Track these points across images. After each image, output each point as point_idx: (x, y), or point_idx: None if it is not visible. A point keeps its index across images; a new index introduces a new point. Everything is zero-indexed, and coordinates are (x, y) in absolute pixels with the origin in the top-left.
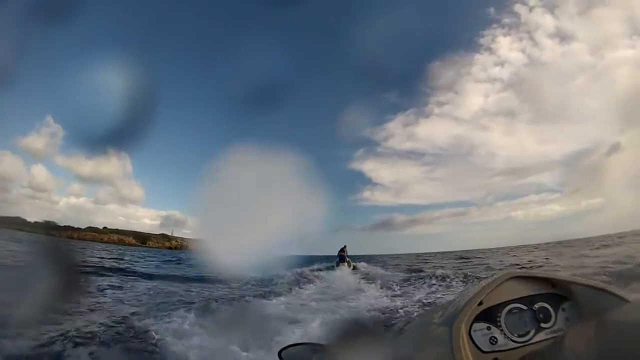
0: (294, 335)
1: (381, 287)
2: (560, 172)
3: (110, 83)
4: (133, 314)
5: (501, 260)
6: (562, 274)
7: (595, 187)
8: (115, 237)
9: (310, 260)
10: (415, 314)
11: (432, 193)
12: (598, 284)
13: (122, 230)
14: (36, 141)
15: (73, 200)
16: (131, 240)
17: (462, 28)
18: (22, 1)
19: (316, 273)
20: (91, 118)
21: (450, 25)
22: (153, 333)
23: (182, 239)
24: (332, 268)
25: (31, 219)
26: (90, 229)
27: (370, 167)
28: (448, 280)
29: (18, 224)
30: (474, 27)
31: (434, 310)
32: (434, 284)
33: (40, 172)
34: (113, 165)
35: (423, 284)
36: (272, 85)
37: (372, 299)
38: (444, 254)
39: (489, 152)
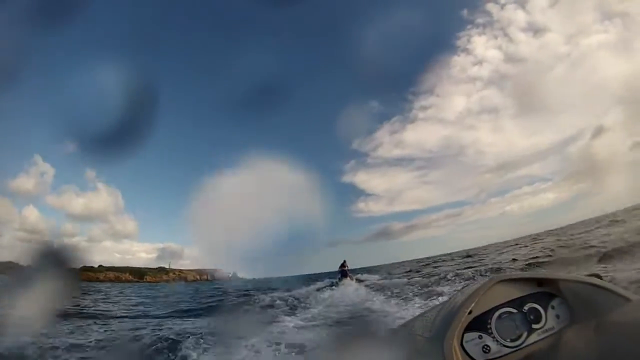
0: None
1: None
2: (549, 161)
3: (100, 104)
4: None
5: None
6: (548, 272)
7: (585, 171)
8: (111, 274)
9: (308, 279)
10: (399, 323)
11: (425, 197)
12: (586, 278)
13: (118, 267)
14: (26, 182)
15: (67, 240)
16: (127, 276)
17: (437, 32)
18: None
19: (321, 293)
20: (84, 142)
21: (425, 30)
22: None
23: (180, 270)
24: (335, 285)
25: (24, 263)
26: (85, 268)
27: (362, 178)
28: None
29: (12, 269)
30: (449, 30)
31: (420, 320)
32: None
33: (31, 214)
34: (104, 201)
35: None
36: (261, 98)
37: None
38: (446, 256)
39: (477, 150)
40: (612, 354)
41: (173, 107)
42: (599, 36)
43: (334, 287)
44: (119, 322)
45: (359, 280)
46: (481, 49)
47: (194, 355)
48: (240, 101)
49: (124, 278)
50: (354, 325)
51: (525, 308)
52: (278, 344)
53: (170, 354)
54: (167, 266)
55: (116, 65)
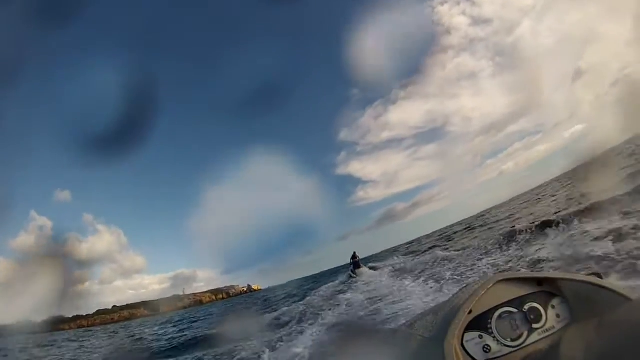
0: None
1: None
2: (535, 115)
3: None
4: None
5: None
6: (548, 272)
7: (572, 116)
8: (125, 313)
9: (322, 277)
10: (401, 323)
11: (422, 173)
12: (586, 277)
13: (132, 304)
14: (26, 239)
15: (78, 288)
16: (143, 311)
17: (400, 8)
18: None
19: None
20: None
21: (387, 6)
22: None
23: (195, 294)
24: (350, 277)
25: (37, 319)
26: (99, 312)
27: (356, 167)
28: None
29: (27, 326)
30: (409, 3)
31: (420, 320)
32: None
33: None
34: (107, 242)
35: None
36: (249, 99)
37: None
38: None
39: (463, 117)
40: (612, 353)
41: (167, 112)
42: None
43: (351, 281)
44: None
45: (372, 269)
46: (447, 17)
47: None
48: (233, 102)
49: (139, 314)
50: (354, 326)
51: (526, 308)
52: None
53: None
54: (181, 293)
55: (114, 71)
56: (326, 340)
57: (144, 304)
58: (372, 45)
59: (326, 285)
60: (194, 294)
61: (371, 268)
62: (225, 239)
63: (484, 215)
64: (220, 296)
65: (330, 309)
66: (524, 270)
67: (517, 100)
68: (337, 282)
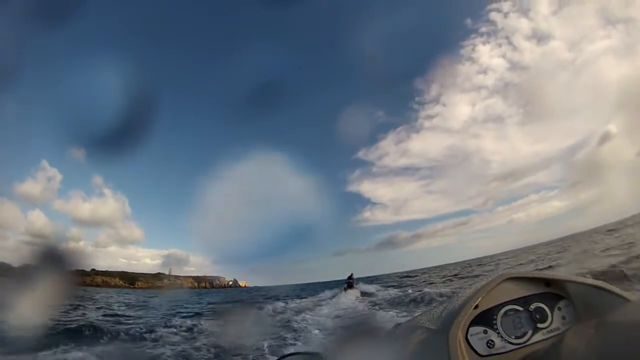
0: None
1: None
2: (556, 169)
3: (106, 102)
4: None
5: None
6: (556, 273)
7: (592, 178)
8: (99, 279)
9: (312, 288)
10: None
11: (431, 206)
12: (594, 281)
13: (108, 271)
14: (33, 187)
15: (72, 244)
16: (117, 281)
17: (442, 41)
18: None
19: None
20: (94, 152)
21: (430, 40)
22: None
23: (176, 277)
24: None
25: (17, 264)
26: (78, 272)
27: (367, 187)
28: None
29: (4, 269)
30: (454, 39)
31: (427, 314)
32: None
33: (38, 218)
34: (111, 207)
35: None
36: (265, 105)
37: None
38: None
39: (483, 159)
40: (611, 353)
41: (177, 110)
42: (603, 42)
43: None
44: None
45: (364, 294)
46: (485, 57)
47: None
48: (246, 107)
49: (112, 283)
50: (362, 319)
51: (532, 307)
52: None
53: None
54: (167, 272)
55: (119, 66)
56: (333, 337)
57: (119, 274)
58: (400, 69)
59: (312, 298)
60: (176, 277)
61: (363, 293)
62: (222, 230)
63: (481, 264)
64: (203, 284)
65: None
66: (532, 269)
67: (539, 151)
68: (324, 294)
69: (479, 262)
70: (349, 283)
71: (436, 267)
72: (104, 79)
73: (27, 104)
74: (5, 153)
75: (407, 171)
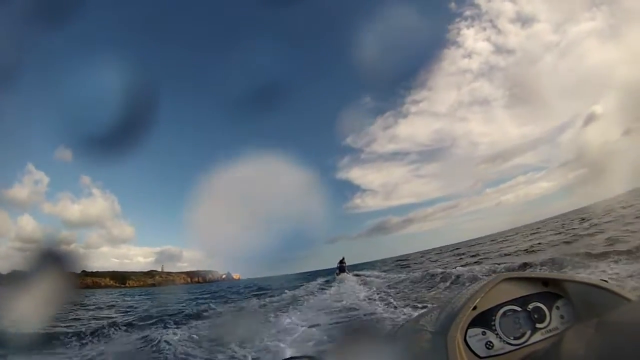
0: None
1: None
2: (543, 150)
3: (95, 112)
4: None
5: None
6: (554, 273)
7: (578, 158)
8: (88, 280)
9: (306, 277)
10: (406, 319)
11: (421, 190)
12: (592, 280)
13: (99, 272)
14: (20, 191)
15: (64, 247)
16: (107, 281)
17: (426, 26)
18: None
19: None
20: (80, 150)
21: (414, 24)
22: None
23: (168, 273)
24: (336, 277)
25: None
26: (70, 274)
27: (357, 174)
28: None
29: (15, 278)
30: (438, 23)
31: (426, 316)
32: None
33: (27, 223)
34: (101, 207)
35: None
36: (254, 97)
37: None
38: (443, 247)
39: (470, 142)
40: (611, 353)
41: (170, 108)
42: (587, 24)
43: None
44: None
45: (356, 275)
46: (470, 41)
47: None
48: (234, 101)
49: (103, 284)
50: (360, 321)
51: (530, 307)
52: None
53: None
54: (159, 269)
55: (115, 66)
56: (331, 337)
57: (110, 274)
58: (385, 54)
59: (301, 287)
60: (167, 273)
61: (355, 274)
62: (214, 223)
63: (473, 245)
64: (196, 279)
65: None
66: (530, 270)
67: (526, 133)
68: (316, 282)
69: (472, 243)
70: (341, 267)
71: (434, 249)
72: (98, 79)
73: (11, 106)
74: None
75: (396, 156)
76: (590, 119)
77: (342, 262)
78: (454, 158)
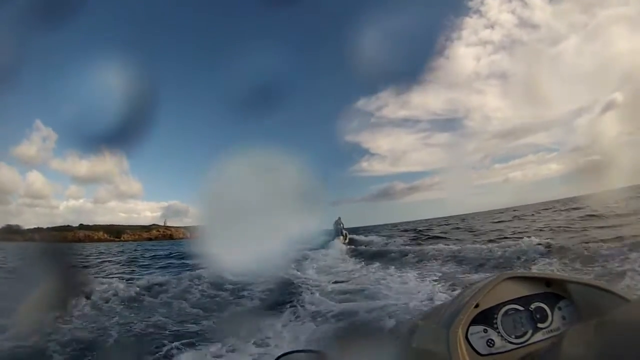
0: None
1: None
2: (556, 132)
3: (104, 82)
4: None
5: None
6: (558, 273)
7: (592, 144)
8: (81, 234)
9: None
10: (411, 317)
11: (429, 159)
12: (595, 281)
13: (91, 225)
14: (29, 148)
15: (72, 202)
16: (101, 235)
17: None
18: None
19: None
20: (86, 118)
21: None
22: None
23: (167, 227)
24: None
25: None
26: (61, 228)
27: (365, 138)
28: None
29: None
30: None
31: (429, 313)
32: None
33: (36, 179)
34: (109, 164)
35: None
36: (269, 81)
37: None
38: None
39: (483, 115)
40: (610, 353)
41: (186, 80)
42: (618, 9)
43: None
44: None
45: (351, 241)
46: (494, 11)
47: None
48: (254, 84)
49: (96, 237)
50: (363, 317)
51: (532, 307)
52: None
53: None
54: (162, 224)
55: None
56: (334, 333)
57: (103, 227)
58: (409, 21)
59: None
60: (166, 227)
61: (351, 240)
62: (222, 180)
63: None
64: (196, 235)
65: None
66: (533, 269)
67: (541, 113)
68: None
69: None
70: (338, 229)
71: (437, 219)
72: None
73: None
74: None
75: (406, 123)
76: (610, 106)
77: (338, 223)
78: (465, 130)
